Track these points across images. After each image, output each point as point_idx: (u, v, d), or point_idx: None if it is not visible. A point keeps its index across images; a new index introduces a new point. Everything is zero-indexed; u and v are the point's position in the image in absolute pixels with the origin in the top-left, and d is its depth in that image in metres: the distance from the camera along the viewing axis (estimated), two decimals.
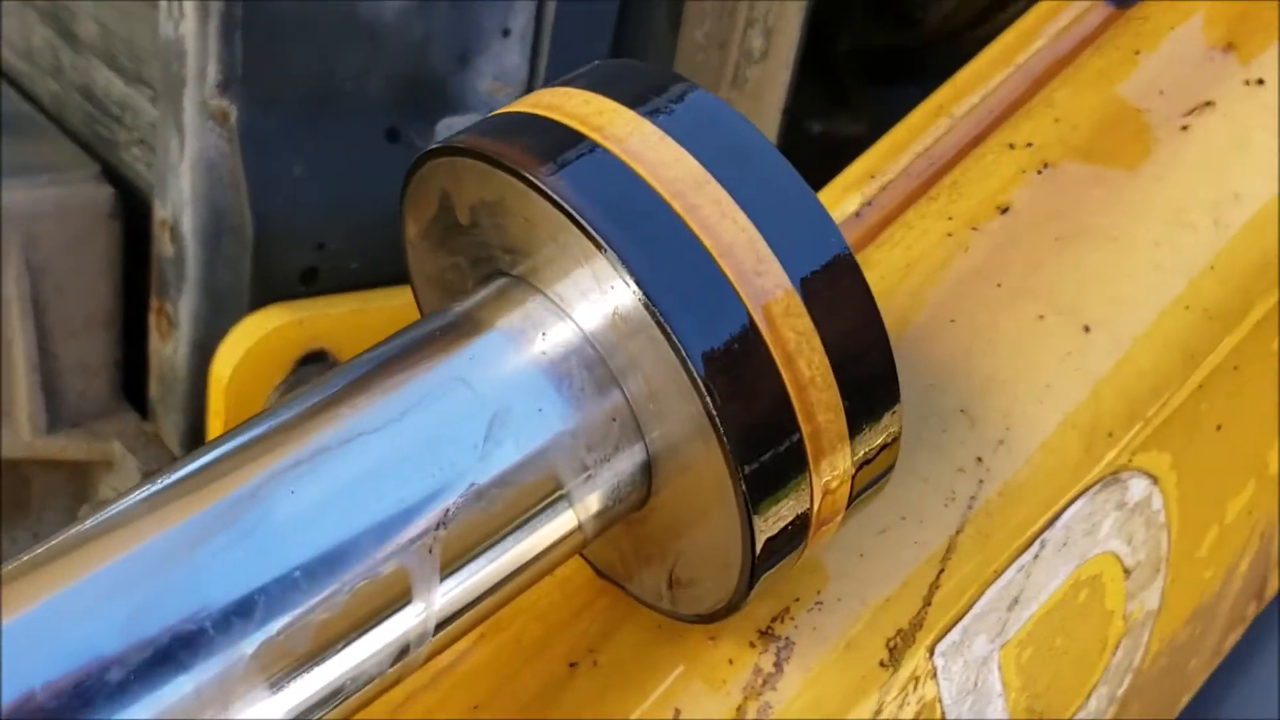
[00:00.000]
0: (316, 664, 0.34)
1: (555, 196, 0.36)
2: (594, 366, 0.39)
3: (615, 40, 0.87)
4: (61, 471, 0.85)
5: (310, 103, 0.73)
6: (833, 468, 0.38)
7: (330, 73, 0.73)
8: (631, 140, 0.37)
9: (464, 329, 0.39)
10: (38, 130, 0.91)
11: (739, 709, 0.45)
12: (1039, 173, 0.57)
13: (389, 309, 0.76)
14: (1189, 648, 0.71)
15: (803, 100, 0.97)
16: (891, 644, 0.47)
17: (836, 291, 0.37)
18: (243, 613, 0.33)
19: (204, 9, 0.70)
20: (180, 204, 0.74)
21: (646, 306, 0.35)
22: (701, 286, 0.35)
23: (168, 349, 0.79)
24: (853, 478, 0.39)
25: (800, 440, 0.37)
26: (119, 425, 0.83)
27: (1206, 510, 0.62)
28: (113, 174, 0.86)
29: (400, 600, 0.35)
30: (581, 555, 0.48)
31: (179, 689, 0.32)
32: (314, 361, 0.75)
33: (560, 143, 0.37)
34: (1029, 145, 0.58)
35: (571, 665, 0.47)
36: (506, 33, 0.80)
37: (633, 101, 0.39)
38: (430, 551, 0.36)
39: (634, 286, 0.35)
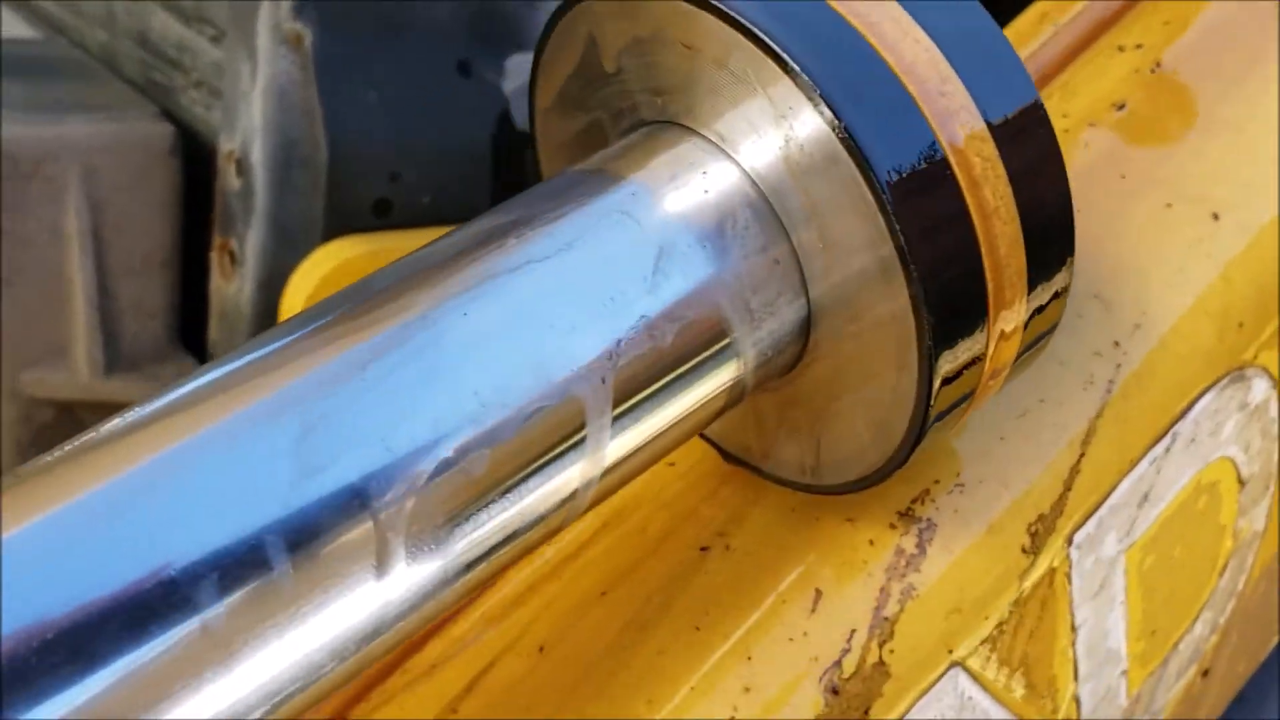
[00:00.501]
0: (493, 498, 0.33)
1: (731, 11, 0.34)
2: (757, 206, 0.37)
3: None
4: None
5: (383, 29, 0.72)
6: (1011, 312, 0.37)
7: None
8: None
9: (616, 173, 0.38)
10: (92, 74, 0.90)
11: (882, 590, 0.44)
12: (1151, 71, 0.56)
13: None
14: None
15: None
16: (1033, 529, 0.46)
17: (1020, 122, 0.36)
18: (422, 435, 0.31)
19: None
20: (250, 134, 0.73)
21: (836, 130, 0.34)
22: (891, 111, 0.34)
23: (231, 287, 0.77)
24: (1025, 327, 0.38)
25: (984, 276, 0.35)
26: (177, 369, 0.82)
27: None
28: (170, 117, 0.85)
29: (575, 434, 0.34)
30: (706, 439, 0.46)
31: (354, 519, 0.31)
32: None
33: None
34: (1139, 46, 0.57)
35: (703, 550, 0.45)
36: None
37: None
38: (604, 382, 0.34)
39: (826, 111, 0.34)
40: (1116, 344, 0.48)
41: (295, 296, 0.72)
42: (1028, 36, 0.60)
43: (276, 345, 0.33)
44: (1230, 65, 0.55)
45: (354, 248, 0.72)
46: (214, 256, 0.78)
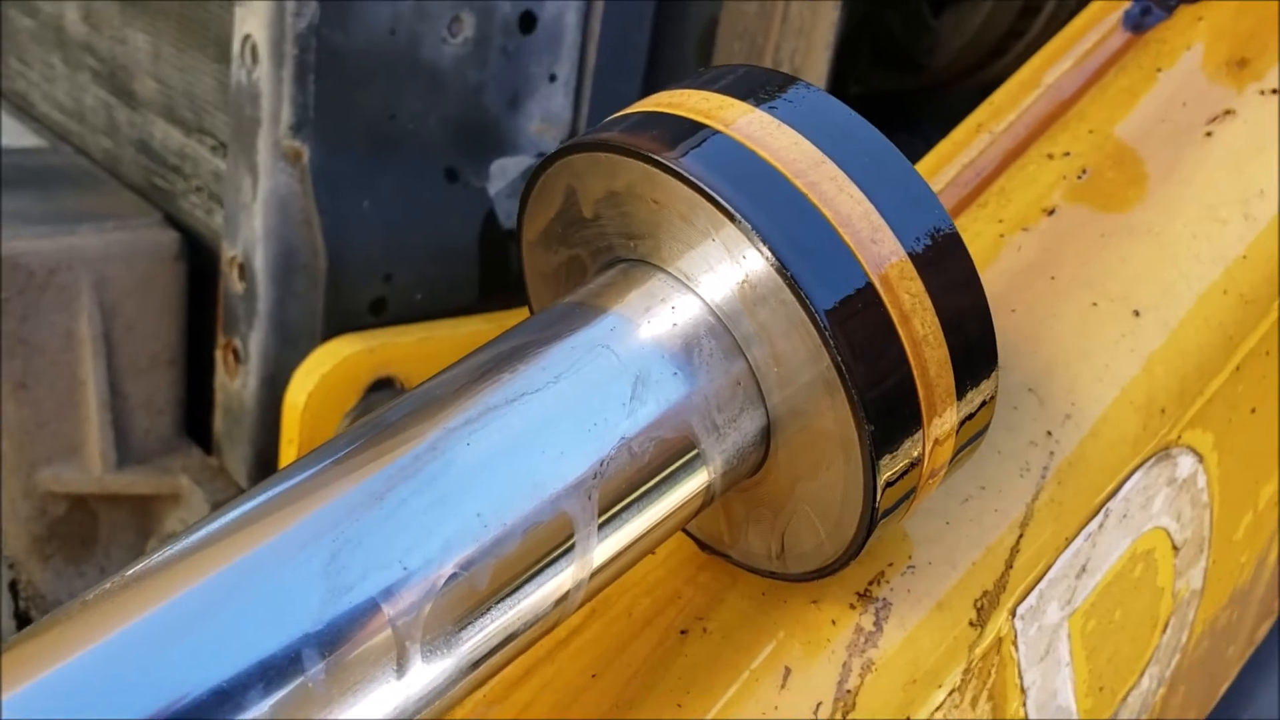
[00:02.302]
0: (495, 603, 0.38)
1: (692, 177, 0.40)
2: (719, 335, 0.42)
3: (646, 84, 0.92)
4: (127, 506, 0.88)
5: (376, 143, 0.78)
6: (942, 421, 0.42)
7: (394, 115, 0.78)
8: (751, 128, 0.42)
9: (597, 308, 0.43)
10: (97, 182, 0.95)
11: (844, 665, 0.49)
12: (1078, 178, 0.62)
13: (454, 338, 0.80)
14: (1227, 633, 0.74)
15: None
16: (979, 604, 0.51)
17: (943, 259, 0.41)
18: (431, 553, 0.36)
19: (278, 55, 0.74)
20: (251, 242, 0.78)
21: (778, 270, 0.39)
22: (826, 253, 0.40)
23: (236, 383, 0.82)
24: (957, 432, 0.43)
25: (916, 394, 0.41)
26: (184, 460, 0.86)
27: (1243, 493, 0.67)
28: (171, 221, 0.90)
29: (565, 544, 0.39)
30: (684, 530, 0.51)
31: (377, 629, 0.35)
32: (383, 388, 0.78)
33: (689, 132, 0.42)
34: (1066, 154, 0.63)
35: (682, 633, 0.50)
36: (553, 78, 0.84)
37: (745, 95, 0.43)
38: (590, 499, 0.39)
39: (766, 252, 0.39)
40: (1049, 433, 0.53)
41: (298, 393, 0.76)
42: (964, 144, 0.66)
43: (306, 475, 0.38)
44: (1147, 172, 0.61)
45: (352, 345, 0.78)
46: (219, 355, 0.83)
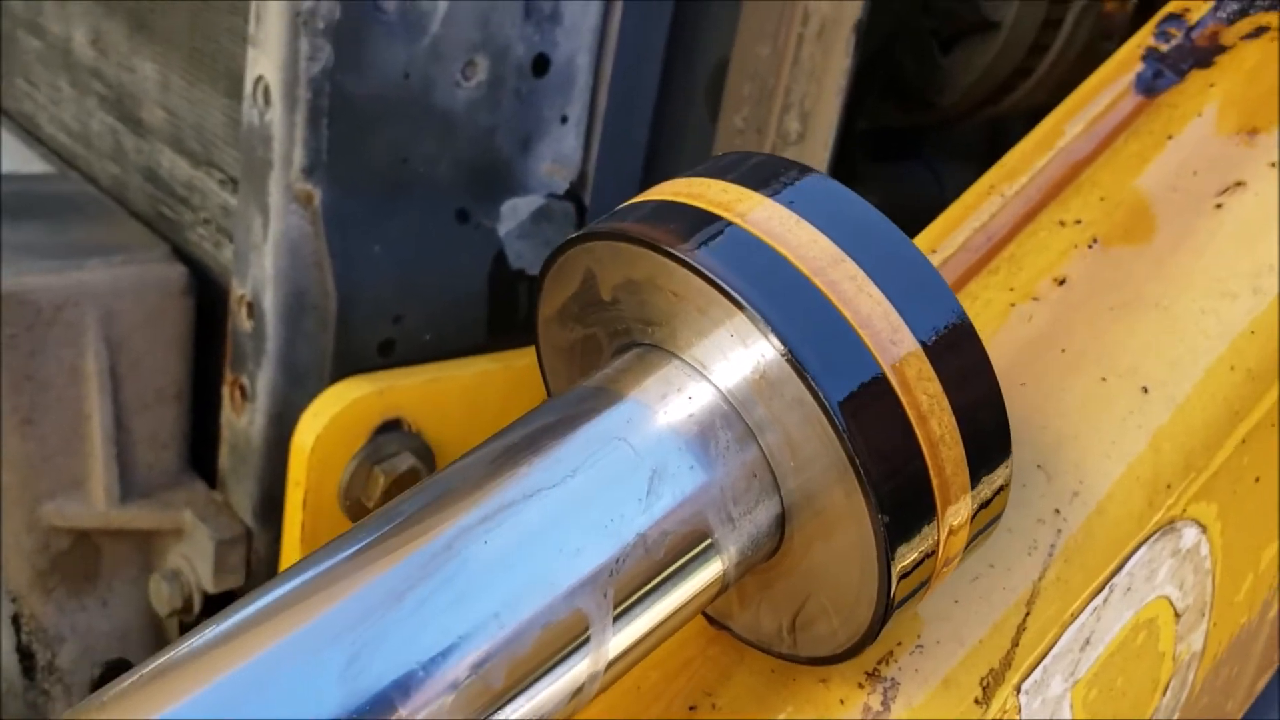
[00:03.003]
0: (510, 700, 0.38)
1: (710, 273, 0.40)
2: (734, 425, 0.43)
3: (655, 125, 0.93)
4: (131, 541, 0.88)
5: (388, 186, 0.78)
6: (957, 514, 0.42)
7: (407, 159, 0.78)
8: (771, 223, 0.42)
9: (614, 394, 0.44)
10: (105, 211, 0.95)
11: None
12: (1089, 247, 0.62)
13: (462, 378, 0.80)
14: (1227, 689, 0.75)
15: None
16: (984, 682, 0.51)
17: (959, 356, 0.41)
18: (448, 653, 0.37)
19: (291, 99, 0.74)
20: (261, 282, 0.78)
21: (789, 360, 0.39)
22: (842, 349, 0.40)
23: (242, 421, 0.82)
24: (971, 521, 0.43)
25: (931, 490, 0.41)
26: (188, 495, 0.86)
27: (1245, 557, 0.67)
28: (178, 253, 0.90)
29: (579, 640, 0.39)
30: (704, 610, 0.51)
31: None
32: (390, 430, 0.79)
33: (704, 223, 0.42)
34: (1078, 222, 0.63)
35: (691, 709, 0.50)
36: (564, 120, 0.85)
37: (761, 185, 0.43)
38: (605, 595, 0.39)
39: (776, 342, 0.39)
40: (1057, 511, 0.54)
41: (306, 435, 0.77)
42: (975, 207, 0.66)
43: (325, 569, 0.38)
44: (1158, 243, 0.61)
45: (360, 388, 0.78)
46: (226, 391, 0.84)
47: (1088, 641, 0.56)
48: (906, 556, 0.42)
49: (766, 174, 0.44)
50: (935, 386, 0.40)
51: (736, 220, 0.42)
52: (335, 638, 0.36)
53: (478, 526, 0.39)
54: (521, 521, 0.39)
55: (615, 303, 0.45)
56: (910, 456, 0.40)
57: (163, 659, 0.36)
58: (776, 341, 0.40)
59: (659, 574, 0.41)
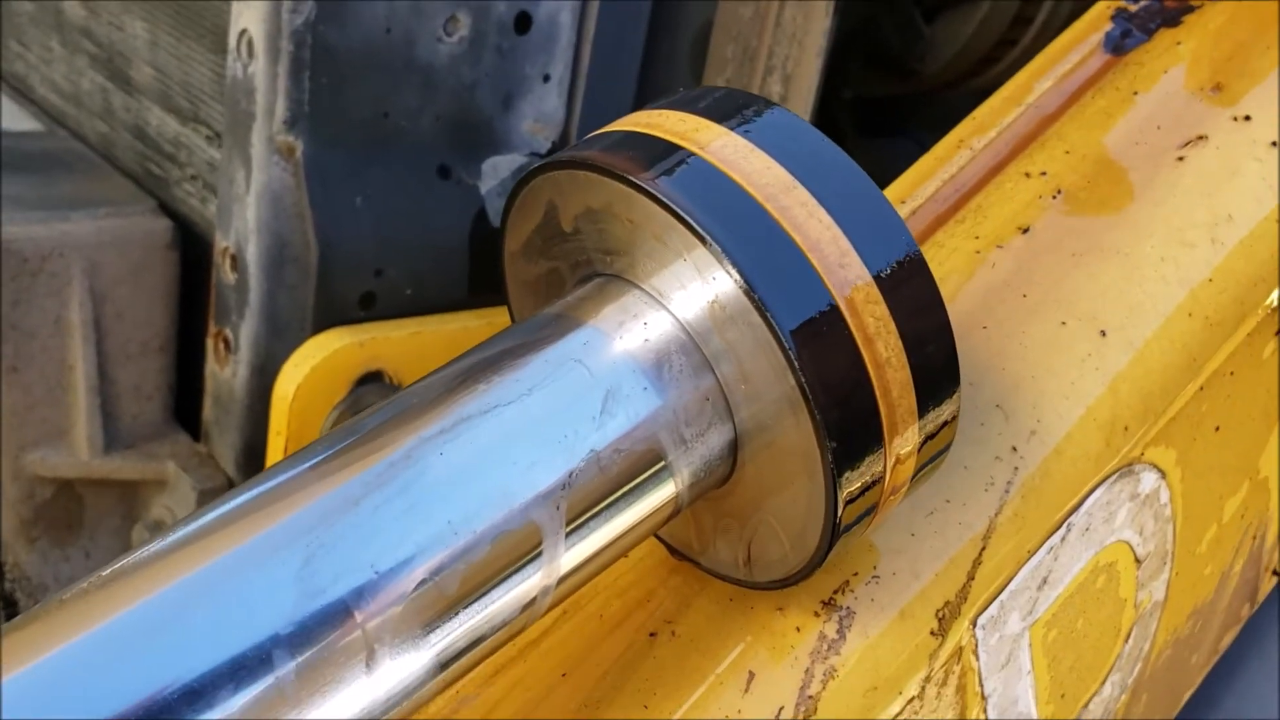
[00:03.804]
0: (463, 608, 0.39)
1: (665, 199, 0.41)
2: (690, 352, 0.44)
3: (640, 86, 0.93)
4: (114, 491, 0.89)
5: (369, 139, 0.79)
6: (904, 441, 0.43)
7: (388, 112, 0.79)
8: (726, 151, 0.43)
9: (573, 320, 0.45)
10: (92, 167, 0.96)
11: (806, 671, 0.50)
12: (1053, 198, 0.63)
13: (443, 333, 0.81)
14: (1190, 642, 0.76)
15: None
16: (940, 614, 0.52)
17: (908, 283, 0.42)
18: (404, 559, 0.38)
19: (274, 51, 0.75)
20: (244, 234, 0.79)
21: (746, 292, 0.40)
22: (793, 276, 0.41)
23: (226, 372, 0.83)
24: (919, 451, 0.44)
25: (878, 414, 0.42)
26: (172, 447, 0.88)
27: (1207, 508, 0.68)
28: (165, 208, 0.91)
29: (532, 552, 0.40)
30: (656, 536, 0.53)
31: (347, 632, 0.37)
32: (371, 382, 0.80)
33: (665, 154, 0.43)
34: (1043, 174, 0.64)
35: (651, 635, 0.51)
36: (546, 78, 0.86)
37: (722, 118, 0.44)
38: (558, 508, 0.40)
39: (735, 274, 0.40)
40: (1014, 449, 0.55)
41: (287, 384, 0.78)
42: (945, 159, 0.67)
43: (285, 479, 0.39)
44: (1121, 194, 0.62)
45: (341, 339, 0.79)
46: (209, 343, 0.85)
47: (1045, 580, 0.57)
48: (853, 482, 0.43)
49: (728, 106, 0.45)
50: (882, 309, 0.41)
51: (694, 149, 0.43)
52: (291, 541, 0.37)
53: (435, 439, 0.40)
54: (477, 435, 0.40)
55: (576, 233, 0.46)
56: (857, 380, 0.41)
57: (122, 562, 0.37)
58: (732, 270, 0.41)
59: (612, 491, 0.42)
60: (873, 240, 0.42)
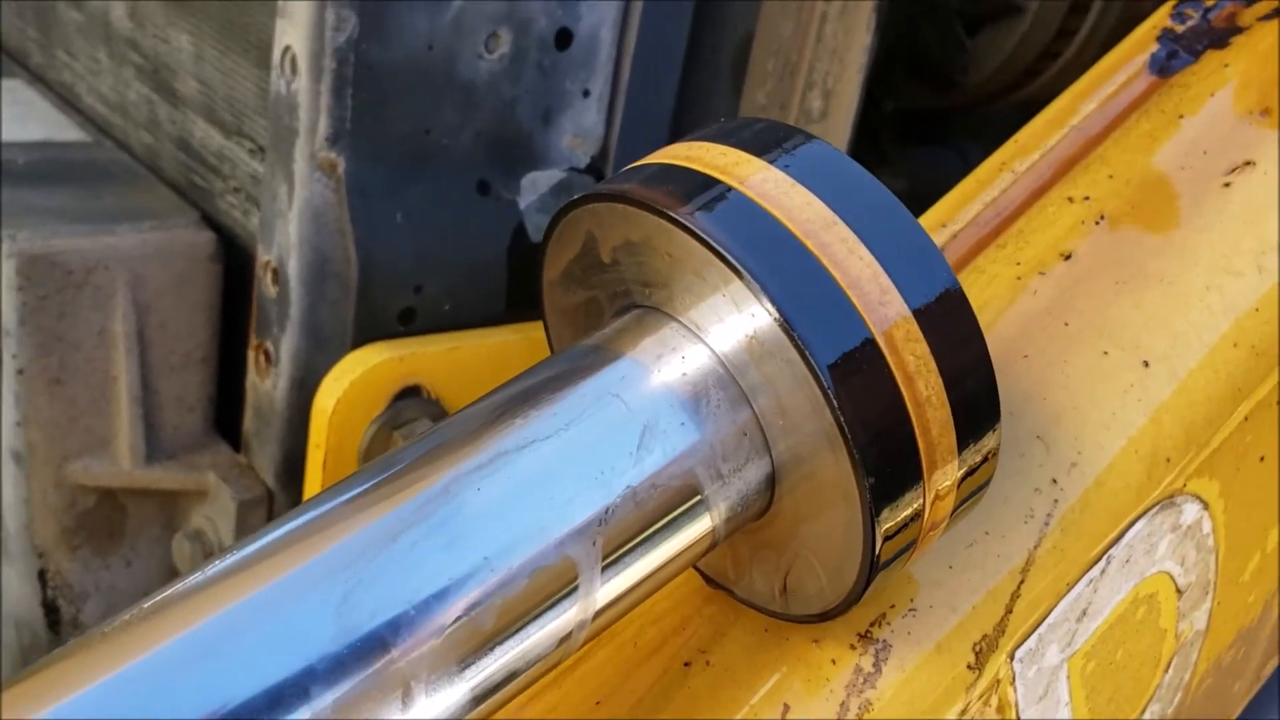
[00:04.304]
0: (498, 643, 0.39)
1: (703, 235, 0.41)
2: (727, 386, 0.44)
3: (680, 100, 0.93)
4: (155, 501, 0.90)
5: (410, 156, 0.79)
6: (943, 477, 0.43)
7: (429, 129, 0.79)
8: (766, 186, 0.43)
9: (611, 353, 0.45)
10: (137, 179, 0.97)
11: (842, 705, 0.50)
12: (1096, 223, 0.62)
13: (481, 348, 0.82)
14: (1233, 670, 0.75)
15: (853, 154, 1.03)
16: (977, 648, 0.52)
17: (949, 320, 0.42)
18: (440, 595, 0.38)
19: (317, 68, 0.76)
20: (286, 248, 0.80)
21: (783, 327, 0.40)
22: (832, 312, 0.41)
23: (266, 384, 0.84)
24: (958, 487, 0.44)
25: (917, 451, 0.42)
26: (212, 457, 0.88)
27: (1250, 537, 0.67)
28: (208, 220, 0.92)
29: (568, 586, 0.40)
30: (693, 566, 0.52)
31: (384, 667, 0.37)
32: (409, 396, 0.80)
33: (703, 188, 0.43)
34: (1086, 199, 0.63)
35: (685, 665, 0.51)
36: (586, 94, 0.86)
37: (762, 151, 0.44)
38: (594, 544, 0.40)
39: (772, 310, 0.40)
40: (1054, 481, 0.54)
41: (327, 399, 0.78)
42: (987, 182, 0.66)
43: (324, 511, 0.40)
44: (1165, 220, 0.61)
45: (380, 354, 0.79)
46: (251, 355, 0.85)
47: (1084, 613, 0.57)
48: (891, 518, 0.43)
49: (767, 140, 0.45)
50: (923, 348, 0.41)
51: (734, 183, 0.43)
52: (329, 576, 0.37)
53: (472, 474, 0.40)
54: (515, 471, 0.40)
55: (615, 264, 0.46)
56: (896, 417, 0.41)
57: (164, 594, 0.38)
58: (769, 305, 0.41)
59: (648, 526, 0.42)
60: (914, 277, 0.42)
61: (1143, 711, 0.66)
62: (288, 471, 0.85)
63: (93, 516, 0.87)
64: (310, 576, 0.38)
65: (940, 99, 1.17)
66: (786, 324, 0.40)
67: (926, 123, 1.30)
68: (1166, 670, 0.66)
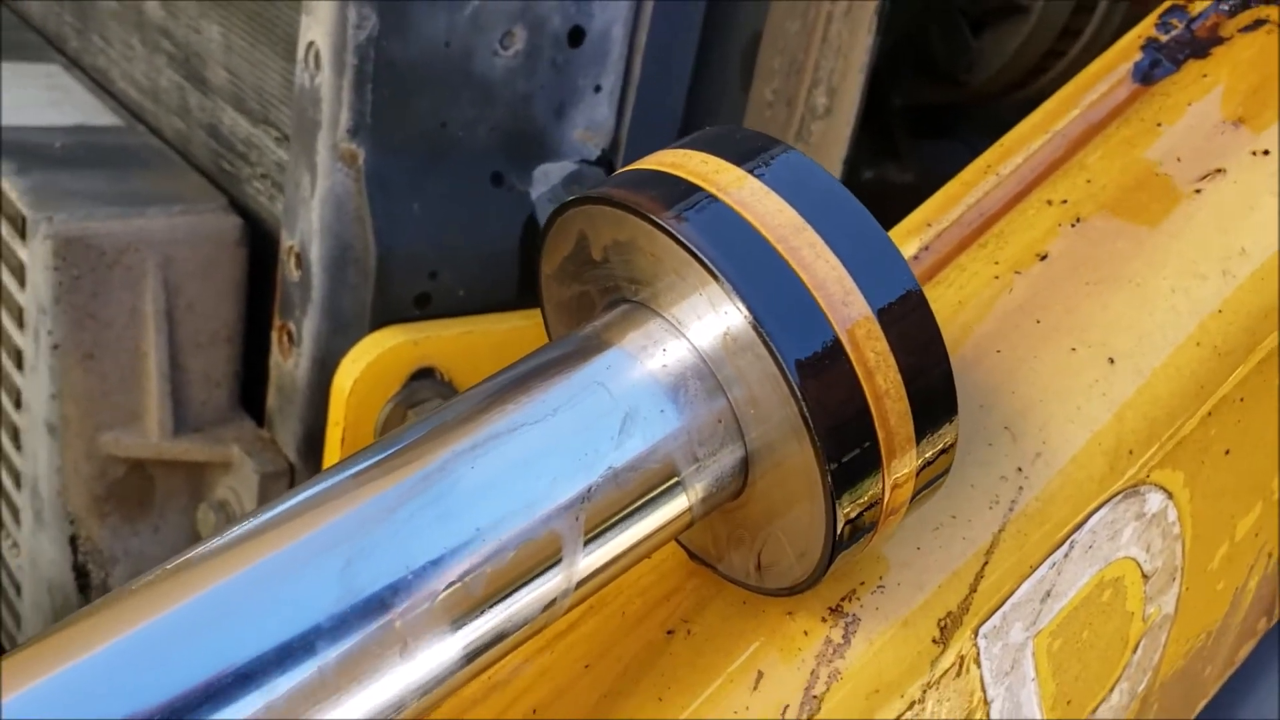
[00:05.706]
0: (488, 607, 0.43)
1: (683, 238, 0.45)
2: (704, 377, 0.47)
3: (690, 96, 0.97)
4: (182, 472, 0.94)
5: (428, 148, 0.83)
6: (901, 466, 0.47)
7: (445, 122, 0.83)
8: (743, 194, 0.46)
9: (599, 344, 0.48)
10: (168, 164, 1.01)
11: (812, 673, 0.54)
12: (1072, 226, 0.65)
13: (494, 333, 0.86)
14: (1203, 655, 0.78)
15: (855, 150, 1.06)
16: (942, 623, 0.56)
17: (909, 320, 0.46)
18: (436, 562, 0.42)
19: (339, 63, 0.79)
20: (308, 234, 0.84)
21: (754, 326, 0.44)
22: (799, 312, 0.44)
23: (289, 364, 0.88)
24: (916, 475, 0.48)
25: (876, 442, 0.45)
26: (237, 431, 0.93)
27: (1217, 527, 0.70)
28: (235, 205, 0.96)
29: (553, 558, 0.44)
30: (678, 541, 0.56)
31: (384, 625, 0.41)
32: (424, 377, 0.84)
33: (685, 194, 0.46)
34: (1064, 202, 0.67)
35: (669, 633, 0.55)
36: (598, 89, 0.89)
37: (740, 160, 0.48)
38: (577, 519, 0.44)
39: (744, 309, 0.44)
40: (1020, 470, 0.58)
41: (345, 379, 0.82)
42: (972, 184, 0.70)
43: (329, 485, 0.44)
44: (1137, 224, 0.65)
45: (396, 337, 0.83)
46: (274, 336, 0.89)
47: (1049, 594, 0.60)
48: (851, 504, 0.46)
49: (747, 149, 0.48)
50: (883, 345, 0.45)
51: (713, 190, 0.47)
52: (334, 544, 0.41)
53: (467, 453, 0.44)
54: (505, 451, 0.44)
55: (605, 262, 0.50)
56: (857, 409, 0.45)
57: (185, 556, 0.42)
58: (742, 305, 0.44)
59: (628, 504, 0.46)
60: (876, 279, 0.45)
61: (1111, 689, 0.70)
62: (308, 446, 0.89)
63: (122, 486, 0.92)
64: (318, 543, 0.42)
65: (946, 96, 1.20)
66: (757, 323, 0.44)
67: (937, 118, 1.33)
68: (1135, 651, 0.70)
